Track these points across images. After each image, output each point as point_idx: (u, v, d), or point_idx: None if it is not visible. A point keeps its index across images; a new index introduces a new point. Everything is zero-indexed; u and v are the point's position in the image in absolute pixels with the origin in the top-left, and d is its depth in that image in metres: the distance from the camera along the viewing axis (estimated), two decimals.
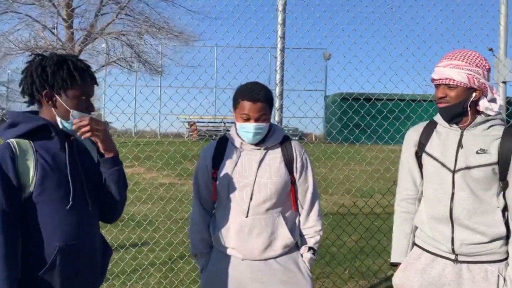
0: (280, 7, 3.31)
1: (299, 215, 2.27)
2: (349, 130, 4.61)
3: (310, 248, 2.22)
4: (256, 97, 2.07)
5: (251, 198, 2.10)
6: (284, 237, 2.14)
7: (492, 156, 1.96)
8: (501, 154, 1.95)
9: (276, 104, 3.36)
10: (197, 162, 2.29)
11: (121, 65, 13.94)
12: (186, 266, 4.30)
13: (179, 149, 5.26)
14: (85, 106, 1.74)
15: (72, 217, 1.68)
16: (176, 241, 4.48)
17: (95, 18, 12.53)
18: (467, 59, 1.98)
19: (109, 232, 4.70)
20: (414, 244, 2.19)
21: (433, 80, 2.05)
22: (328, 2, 4.01)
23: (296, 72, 4.21)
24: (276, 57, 3.34)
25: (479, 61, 1.99)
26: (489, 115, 2.02)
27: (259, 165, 2.14)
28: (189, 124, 17.49)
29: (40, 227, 1.63)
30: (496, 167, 1.96)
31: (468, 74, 1.95)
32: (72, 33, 11.27)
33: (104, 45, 14.18)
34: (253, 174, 2.13)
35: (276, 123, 3.38)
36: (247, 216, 2.11)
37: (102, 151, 1.76)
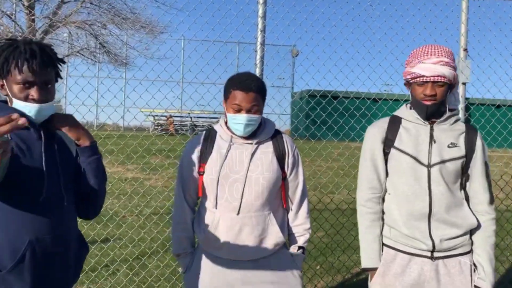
0: (260, 0, 3.28)
1: (287, 212, 2.21)
2: (316, 127, 4.70)
3: (299, 247, 2.16)
4: (248, 86, 1.97)
5: (242, 195, 2.01)
6: (275, 235, 2.06)
7: (461, 149, 2.05)
8: (467, 148, 2.05)
9: None
10: (182, 155, 2.16)
11: (84, 55, 13.53)
12: (154, 258, 4.30)
13: (142, 143, 5.19)
14: (24, 96, 1.59)
15: (45, 211, 1.61)
16: (143, 234, 4.45)
17: (58, 5, 12.06)
18: (450, 55, 2.02)
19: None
20: (383, 245, 2.13)
21: (421, 76, 1.99)
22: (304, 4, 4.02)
23: (264, 67, 4.18)
24: (256, 51, 3.30)
25: (453, 57, 2.04)
26: (452, 110, 2.10)
27: (251, 160, 2.04)
28: (166, 117, 17.21)
29: (10, 219, 1.56)
30: (464, 160, 2.05)
31: (453, 71, 1.99)
32: (33, 21, 10.81)
33: (66, 34, 13.71)
34: (244, 168, 2.03)
35: None
36: (238, 214, 2.01)
37: (76, 141, 1.71)
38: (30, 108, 1.59)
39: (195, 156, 2.11)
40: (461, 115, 4.41)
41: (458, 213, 2.02)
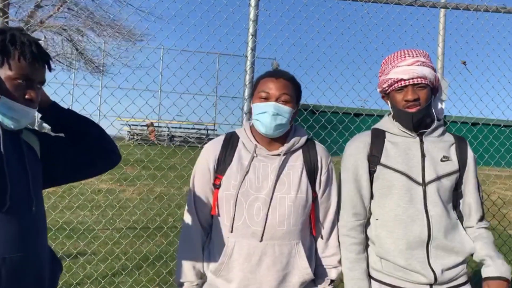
0: (252, 3, 3.15)
1: (315, 240, 1.86)
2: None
3: (331, 281, 1.83)
4: (279, 73, 1.75)
5: (265, 218, 1.68)
6: (302, 271, 1.71)
7: (454, 163, 1.83)
8: (460, 161, 1.84)
9: (245, 107, 3.15)
10: (197, 162, 1.83)
11: (60, 62, 13.16)
12: (128, 279, 4.02)
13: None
14: (22, 94, 1.34)
15: (11, 222, 1.30)
16: (117, 251, 4.20)
17: (34, 9, 11.72)
18: (427, 56, 1.81)
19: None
20: (370, 278, 1.85)
21: (398, 81, 1.77)
22: (286, 20, 3.90)
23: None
24: (246, 56, 3.16)
25: (430, 58, 1.84)
26: (438, 119, 1.87)
27: (278, 176, 1.72)
28: (146, 125, 16.62)
29: None
30: (457, 176, 1.83)
31: (433, 71, 1.78)
32: (7, 23, 10.44)
33: (42, 40, 13.32)
34: (269, 186, 1.70)
35: None
36: (260, 241, 1.67)
37: (42, 103, 1.53)
38: (23, 113, 1.34)
39: (211, 165, 1.78)
40: None
41: (455, 236, 1.79)
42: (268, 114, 1.70)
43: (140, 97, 3.82)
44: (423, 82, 1.74)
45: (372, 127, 1.95)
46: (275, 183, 1.71)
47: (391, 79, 1.78)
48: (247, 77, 3.16)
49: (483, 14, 3.74)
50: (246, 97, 3.13)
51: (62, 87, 4.25)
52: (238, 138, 1.82)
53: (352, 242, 1.84)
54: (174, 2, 3.76)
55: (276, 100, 1.71)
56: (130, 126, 17.58)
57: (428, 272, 1.74)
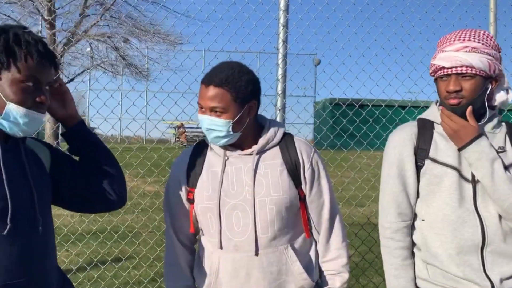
0: (282, 7, 2.97)
1: (315, 242, 1.68)
2: (338, 136, 4.40)
3: None
4: (210, 78, 1.50)
5: (247, 226, 1.53)
6: (296, 277, 1.55)
7: (510, 154, 1.60)
8: None
9: (278, 103, 2.98)
10: (168, 178, 1.68)
11: (105, 69, 13.59)
12: None
13: (164, 156, 4.95)
14: (31, 98, 1.22)
15: (13, 245, 1.19)
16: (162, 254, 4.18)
17: (79, 19, 12.17)
18: (484, 40, 1.58)
19: (86, 245, 4.36)
20: None
21: (440, 69, 1.58)
22: (319, 8, 3.71)
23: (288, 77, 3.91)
24: (278, 64, 2.99)
25: (494, 42, 1.60)
26: (492, 108, 1.65)
27: (254, 177, 1.55)
28: (176, 127, 16.47)
29: None
30: None
31: (488, 59, 1.55)
32: (54, 34, 10.89)
33: (88, 49, 13.81)
34: (245, 190, 1.53)
35: None
36: (243, 253, 1.51)
37: (67, 118, 1.42)
38: (33, 119, 1.23)
39: (182, 180, 1.63)
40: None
41: None
42: (204, 129, 1.53)
43: (183, 98, 3.82)
44: (469, 71, 1.53)
45: (418, 117, 1.75)
46: (253, 186, 1.53)
47: (434, 65, 1.61)
48: (280, 71, 2.98)
49: None
50: (279, 93, 2.97)
51: (107, 93, 4.33)
52: (206, 145, 1.65)
53: (397, 246, 1.64)
54: (207, 4, 3.68)
55: (210, 111, 1.51)
56: (175, 129, 17.78)
57: (484, 281, 1.52)
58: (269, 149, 1.61)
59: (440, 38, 1.68)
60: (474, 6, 3.55)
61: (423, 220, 1.65)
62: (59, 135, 1.48)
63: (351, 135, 4.25)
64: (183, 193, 1.63)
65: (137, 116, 4.31)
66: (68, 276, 1.52)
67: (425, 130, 1.68)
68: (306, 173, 1.61)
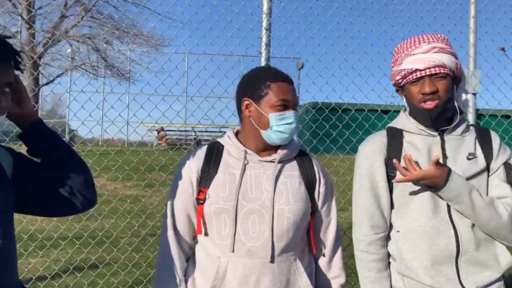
0: (265, 10, 2.95)
1: (314, 259, 1.69)
2: (321, 140, 4.40)
3: None
4: (289, 78, 1.60)
5: (264, 232, 1.50)
6: None
7: (481, 160, 1.59)
8: (486, 155, 1.60)
9: None
10: (175, 176, 1.66)
11: (86, 70, 13.36)
12: (150, 287, 3.91)
13: (144, 160, 4.86)
14: None
15: None
16: (145, 262, 4.08)
17: (59, 19, 11.95)
18: (445, 41, 1.58)
19: (62, 252, 4.23)
20: None
21: (413, 72, 1.54)
22: (302, 12, 3.70)
23: None
24: (260, 52, 2.97)
25: (449, 43, 1.60)
26: (461, 112, 1.63)
27: (275, 184, 1.55)
28: (157, 130, 16.22)
29: None
30: (486, 174, 1.59)
31: (454, 59, 1.55)
32: (33, 35, 10.66)
33: (69, 50, 13.57)
34: (265, 196, 1.52)
35: None
36: (256, 259, 1.48)
37: (24, 117, 1.33)
38: None
39: (193, 178, 1.60)
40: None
41: (489, 248, 1.56)
42: (292, 125, 1.56)
43: (167, 99, 3.77)
44: (442, 71, 1.51)
45: (387, 126, 1.73)
46: (273, 193, 1.52)
47: (404, 70, 1.56)
48: None
49: None
50: None
51: (86, 95, 4.26)
52: (222, 147, 1.65)
53: (371, 258, 1.62)
54: (189, 6, 3.63)
55: (294, 108, 1.59)
56: (158, 132, 17.57)
57: None
58: (288, 160, 1.64)
59: (397, 46, 1.66)
60: (456, 12, 3.58)
61: (398, 231, 1.62)
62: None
63: (333, 140, 4.24)
64: (192, 194, 1.60)
65: (118, 119, 4.22)
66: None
67: (395, 139, 1.66)
68: (321, 189, 1.65)
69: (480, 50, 3.80)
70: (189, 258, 1.68)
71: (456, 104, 1.59)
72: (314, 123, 4.30)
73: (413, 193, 1.58)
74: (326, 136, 4.31)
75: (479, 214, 1.50)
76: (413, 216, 1.57)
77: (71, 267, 3.92)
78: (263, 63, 2.99)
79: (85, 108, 3.64)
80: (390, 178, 1.62)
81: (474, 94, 4.40)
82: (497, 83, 3.86)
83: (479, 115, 4.43)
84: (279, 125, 1.54)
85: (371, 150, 1.67)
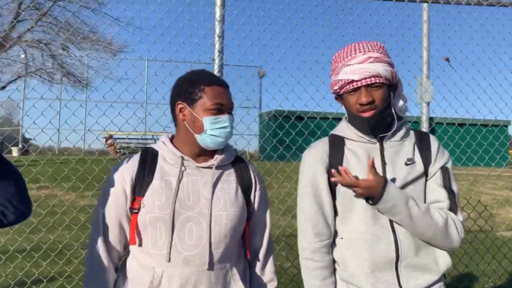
0: (218, 2, 2.98)
1: (248, 264, 1.69)
2: (283, 147, 4.50)
3: None
4: (224, 82, 1.60)
5: (202, 240, 1.48)
6: None
7: (419, 165, 1.61)
8: (424, 160, 1.62)
9: None
10: (105, 185, 1.58)
11: (41, 76, 12.91)
12: None
13: (105, 168, 4.76)
14: None
15: None
16: None
17: (12, 24, 11.49)
18: (381, 50, 1.59)
19: (19, 266, 4.07)
20: None
21: (349, 83, 1.56)
22: (256, 20, 3.77)
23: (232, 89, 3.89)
24: (213, 59, 3.00)
25: (385, 51, 1.62)
26: (399, 118, 1.67)
27: (213, 190, 1.54)
28: (104, 138, 15.43)
29: None
30: (425, 179, 1.62)
31: (390, 67, 1.57)
32: None
33: (23, 55, 13.06)
34: (202, 203, 1.51)
35: None
36: (192, 268, 1.46)
37: None
38: None
39: (127, 187, 1.53)
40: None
41: (429, 252, 1.59)
42: (227, 129, 1.55)
43: (128, 107, 3.67)
44: (378, 81, 1.53)
45: (329, 133, 1.75)
46: (211, 199, 1.52)
47: (341, 80, 1.58)
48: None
49: (465, 7, 3.65)
50: None
51: (45, 102, 4.12)
52: (156, 153, 1.61)
53: (316, 266, 1.62)
54: (154, 12, 3.62)
55: (229, 112, 1.59)
56: (106, 140, 17.09)
57: None
58: (225, 165, 1.63)
59: (334, 55, 1.69)
60: (403, 23, 3.76)
61: (342, 237, 1.64)
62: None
63: (288, 147, 4.33)
64: (126, 204, 1.54)
65: (77, 127, 4.09)
66: None
67: (336, 146, 1.67)
68: (256, 194, 1.67)
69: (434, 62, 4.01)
70: (118, 268, 1.62)
71: (393, 110, 1.63)
72: (269, 131, 4.35)
73: (355, 200, 1.59)
74: (280, 144, 4.40)
75: (416, 223, 1.52)
76: (355, 223, 1.59)
77: (28, 282, 3.79)
78: (216, 70, 3.01)
79: (43, 115, 3.50)
80: (332, 185, 1.64)
81: (428, 103, 4.65)
82: (454, 92, 4.10)
83: (437, 123, 4.67)
84: (214, 129, 1.53)
85: (314, 157, 1.68)
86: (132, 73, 4.08)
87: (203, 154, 1.61)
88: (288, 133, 4.27)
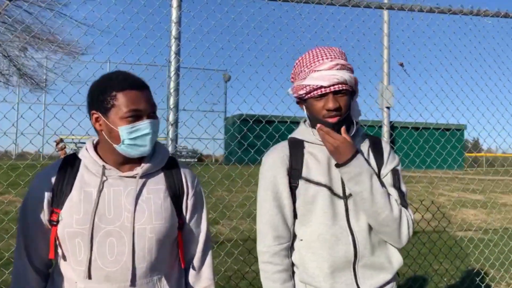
0: (174, 3, 2.94)
1: (184, 271, 1.63)
2: (246, 151, 4.49)
3: None
4: (139, 83, 1.44)
5: (124, 255, 1.40)
6: None
7: (373, 167, 1.67)
8: (377, 163, 1.68)
9: (170, 117, 2.90)
10: (26, 195, 1.48)
11: None
12: None
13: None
14: None
15: None
16: None
17: None
18: (344, 56, 1.63)
19: None
20: None
21: (318, 88, 1.57)
22: (213, 22, 3.74)
23: (192, 92, 3.88)
24: (169, 77, 2.94)
25: (346, 57, 1.66)
26: (356, 123, 1.71)
27: (136, 203, 1.44)
28: (55, 142, 14.81)
29: None
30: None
31: (352, 74, 1.61)
32: None
33: None
34: (124, 216, 1.41)
35: (171, 141, 2.93)
36: (131, 284, 1.39)
37: None
38: None
39: (44, 197, 1.43)
40: (386, 138, 4.41)
41: (383, 251, 1.64)
42: (148, 135, 1.43)
43: (64, 110, 3.53)
44: (345, 88, 1.57)
45: (289, 137, 1.76)
46: (134, 211, 1.42)
47: (309, 85, 1.59)
48: (172, 84, 2.93)
49: (418, 14, 3.76)
50: (172, 107, 2.91)
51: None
52: (79, 161, 1.50)
53: (276, 270, 1.62)
54: (108, 13, 3.51)
55: (149, 116, 1.44)
56: (57, 144, 16.38)
57: None
58: (152, 173, 1.53)
59: (298, 59, 1.70)
60: (359, 29, 3.83)
61: (301, 239, 1.64)
62: None
63: (258, 151, 4.33)
64: (44, 214, 1.44)
65: (32, 131, 3.92)
66: None
67: (296, 150, 1.68)
68: (189, 201, 1.58)
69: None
70: (47, 277, 1.54)
71: (352, 116, 1.68)
72: (239, 134, 4.34)
73: (314, 202, 1.61)
74: (251, 147, 4.39)
75: (376, 198, 1.54)
76: (315, 225, 1.60)
77: None
78: (172, 73, 2.96)
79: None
80: (293, 188, 1.64)
81: (388, 108, 4.75)
82: (419, 97, 4.21)
83: (402, 127, 4.79)
84: (132, 139, 1.42)
85: (274, 161, 1.68)
86: (84, 75, 3.95)
87: (128, 162, 1.51)
88: (247, 136, 4.26)
